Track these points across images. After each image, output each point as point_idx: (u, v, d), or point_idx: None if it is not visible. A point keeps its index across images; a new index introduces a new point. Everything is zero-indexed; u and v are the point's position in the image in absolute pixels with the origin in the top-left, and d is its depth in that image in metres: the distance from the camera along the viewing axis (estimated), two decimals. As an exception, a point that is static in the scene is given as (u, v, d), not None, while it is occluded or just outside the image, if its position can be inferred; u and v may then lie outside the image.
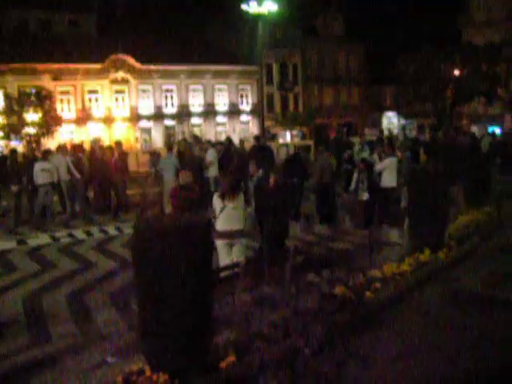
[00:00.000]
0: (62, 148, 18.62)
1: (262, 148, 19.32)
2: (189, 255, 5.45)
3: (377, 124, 67.96)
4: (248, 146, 23.22)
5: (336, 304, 6.87)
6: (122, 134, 51.87)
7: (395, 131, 54.14)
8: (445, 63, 50.41)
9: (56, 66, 49.19)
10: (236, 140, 26.42)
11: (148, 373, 5.74)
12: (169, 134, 55.11)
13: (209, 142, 21.79)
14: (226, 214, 9.44)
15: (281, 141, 52.25)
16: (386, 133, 41.13)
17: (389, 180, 15.15)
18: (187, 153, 18.44)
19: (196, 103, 57.86)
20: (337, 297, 7.08)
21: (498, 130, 42.28)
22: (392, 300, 8.13)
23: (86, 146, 22.84)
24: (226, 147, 20.40)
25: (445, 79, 49.99)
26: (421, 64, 49.15)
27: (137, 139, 54.35)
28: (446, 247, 10.75)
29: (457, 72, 49.95)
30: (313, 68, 65.60)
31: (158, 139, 54.56)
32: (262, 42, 36.39)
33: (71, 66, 49.85)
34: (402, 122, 68.03)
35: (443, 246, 10.68)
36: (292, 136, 59.24)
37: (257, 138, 21.36)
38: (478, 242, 11.61)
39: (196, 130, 55.20)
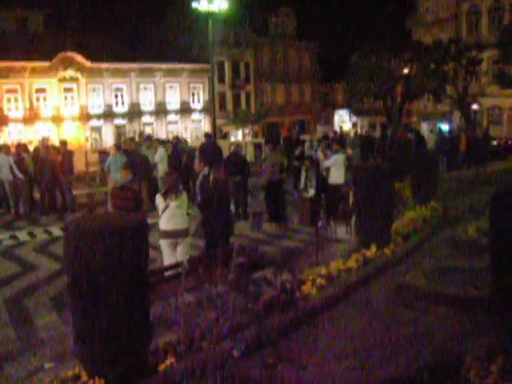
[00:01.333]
0: (4, 148, 18.09)
1: (210, 145, 19.17)
2: (122, 256, 5.28)
3: (329, 121, 68.59)
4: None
5: (267, 305, 6.81)
6: (71, 133, 50.98)
7: (347, 128, 54.70)
8: (395, 61, 50.99)
9: (2, 63, 48.00)
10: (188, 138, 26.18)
11: (84, 378, 5.57)
12: (119, 133, 54.44)
13: (157, 140, 21.48)
14: (170, 213, 9.28)
15: (232, 139, 52.18)
16: (337, 130, 41.51)
17: (336, 176, 15.21)
18: (133, 151, 18.13)
19: (147, 101, 57.30)
20: (268, 297, 7.03)
21: (446, 127, 43.07)
22: (336, 297, 8.10)
23: (32, 146, 22.26)
24: (174, 145, 20.21)
25: (395, 77, 50.55)
26: (372, 62, 49.62)
27: (87, 138, 53.51)
28: (393, 243, 10.81)
29: (406, 70, 50.58)
30: (265, 66, 65.71)
31: (108, 138, 53.79)
32: (213, 40, 36.12)
33: (18, 63, 48.72)
34: (354, 119, 68.72)
35: (389, 243, 10.74)
36: (244, 134, 59.20)
37: (207, 135, 21.22)
38: (423, 237, 11.72)
39: (147, 129, 54.68)
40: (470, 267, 8.63)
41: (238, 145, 18.68)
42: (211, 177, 10.96)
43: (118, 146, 18.08)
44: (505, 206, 5.81)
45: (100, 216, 6.02)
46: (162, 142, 20.42)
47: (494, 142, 33.24)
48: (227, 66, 62.45)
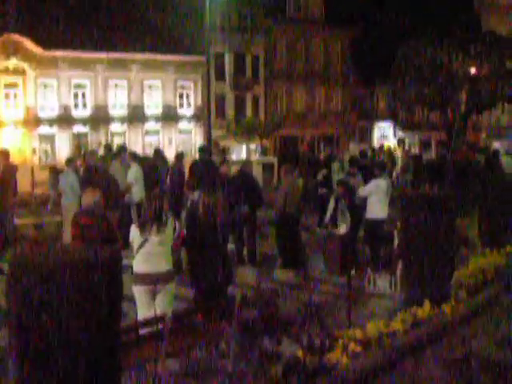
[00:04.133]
0: None
1: (204, 163, 19.29)
2: (81, 304, 5.29)
3: (366, 137, 68.79)
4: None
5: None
6: (13, 143, 51.12)
7: (391, 146, 54.76)
8: (458, 58, 51.33)
9: None
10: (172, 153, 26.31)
11: None
12: (78, 144, 54.59)
13: (132, 154, 21.62)
14: (148, 251, 9.31)
15: (234, 157, 52.34)
16: (376, 148, 41.57)
17: (376, 209, 15.25)
18: (98, 169, 18.24)
19: (117, 104, 57.64)
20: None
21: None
22: (377, 369, 8.08)
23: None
24: (152, 162, 20.40)
25: (458, 79, 50.84)
26: (427, 58, 49.93)
27: (34, 150, 53.74)
28: (454, 299, 10.79)
29: (474, 70, 50.85)
30: (280, 61, 66.18)
31: (63, 151, 53.90)
32: (211, 23, 36.47)
33: None
34: (400, 134, 68.95)
35: (449, 298, 10.73)
36: (249, 151, 59.38)
37: (203, 149, 21.34)
38: (497, 292, 11.70)
39: (117, 140, 54.80)
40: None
41: (246, 163, 18.78)
42: (202, 203, 10.99)
43: (68, 161, 18.34)
44: None
45: (56, 248, 6.02)
46: (136, 157, 20.51)
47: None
48: (228, 59, 62.90)
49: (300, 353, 7.45)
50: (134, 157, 20.78)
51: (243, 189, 16.12)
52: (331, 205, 15.30)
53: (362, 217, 14.92)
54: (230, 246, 14.50)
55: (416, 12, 62.47)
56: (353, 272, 13.06)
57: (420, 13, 61.65)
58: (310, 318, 8.49)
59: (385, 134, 71.64)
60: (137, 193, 18.30)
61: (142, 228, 9.39)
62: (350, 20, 64.96)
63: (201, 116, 57.82)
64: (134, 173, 18.75)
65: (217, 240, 10.72)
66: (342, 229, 14.19)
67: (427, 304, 10.34)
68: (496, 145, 52.74)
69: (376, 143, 63.79)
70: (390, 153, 33.02)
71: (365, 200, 15.58)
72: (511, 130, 56.63)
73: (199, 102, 60.00)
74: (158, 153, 22.04)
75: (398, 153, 38.20)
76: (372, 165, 19.14)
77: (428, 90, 49.72)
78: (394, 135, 70.43)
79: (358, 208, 14.85)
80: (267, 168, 32.90)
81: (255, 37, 63.31)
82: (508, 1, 60.53)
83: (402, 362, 8.54)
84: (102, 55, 55.40)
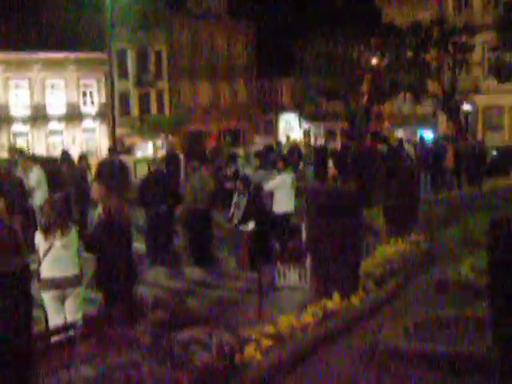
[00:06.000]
0: None
1: (111, 164, 19.10)
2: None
3: (271, 130, 69.12)
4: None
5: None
6: None
7: (296, 138, 55.32)
8: (360, 50, 52.01)
9: None
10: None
11: None
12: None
13: (32, 157, 21.23)
14: (53, 256, 9.19)
15: (139, 154, 51.93)
16: (283, 140, 41.85)
17: (283, 203, 15.36)
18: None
19: (19, 104, 56.57)
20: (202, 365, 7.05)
21: (430, 135, 44.00)
22: (289, 362, 8.14)
23: None
24: (58, 164, 20.07)
25: (360, 70, 51.52)
26: (329, 51, 50.42)
27: None
28: (362, 290, 10.94)
29: (375, 61, 51.57)
30: (183, 56, 65.92)
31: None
32: (112, 19, 36.06)
33: None
34: (306, 126, 69.47)
35: (357, 289, 10.87)
36: (155, 147, 59.02)
37: (112, 149, 21.16)
38: (403, 281, 11.91)
39: (20, 141, 53.84)
40: (463, 317, 8.82)
41: (162, 161, 18.61)
42: (101, 210, 10.86)
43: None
44: (507, 237, 5.98)
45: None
46: (37, 160, 20.16)
47: (493, 153, 34.14)
48: (131, 56, 62.34)
49: (211, 357, 7.44)
50: (35, 159, 20.42)
51: (160, 188, 15.93)
52: (235, 200, 15.35)
53: (270, 211, 15.01)
54: (138, 246, 14.41)
55: (318, 4, 63.02)
56: (262, 267, 13.09)
57: (321, 5, 62.21)
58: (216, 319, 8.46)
59: (290, 126, 72.08)
60: (39, 197, 17.90)
61: (46, 233, 9.27)
62: (253, 14, 65.16)
63: (105, 114, 57.17)
64: (35, 176, 18.34)
65: (120, 243, 10.58)
66: (250, 224, 14.23)
67: (336, 296, 10.45)
68: (399, 133, 53.74)
69: (282, 136, 64.20)
70: (295, 145, 33.28)
71: (272, 194, 15.71)
72: (412, 118, 57.61)
73: (103, 99, 59.35)
74: (65, 155, 21.65)
75: (304, 144, 38.57)
76: (277, 159, 19.22)
77: (331, 82, 50.19)
78: (300, 126, 70.91)
79: (265, 203, 14.92)
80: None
81: (157, 32, 62.94)
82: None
83: (314, 354, 8.62)
84: (1, 56, 54.31)
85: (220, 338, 7.64)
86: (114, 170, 18.58)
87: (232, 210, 15.23)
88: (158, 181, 16.09)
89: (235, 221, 14.91)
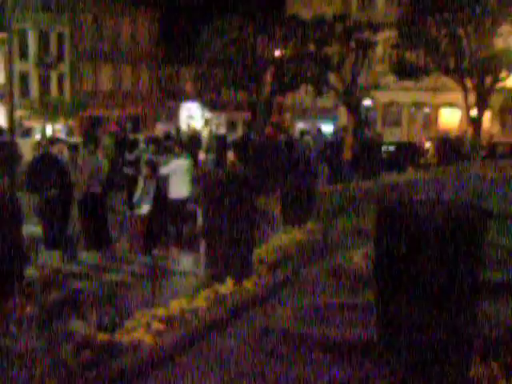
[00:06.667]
0: None
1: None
2: None
3: (173, 117, 68.82)
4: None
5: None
6: None
7: (198, 126, 55.11)
8: (263, 41, 52.19)
9: None
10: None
11: None
12: None
13: None
14: None
15: (37, 137, 50.99)
16: (184, 128, 41.77)
17: (178, 189, 15.39)
18: None
19: None
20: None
21: (330, 127, 44.60)
22: (178, 347, 8.11)
23: None
24: None
25: (262, 61, 51.70)
26: (231, 40, 50.44)
27: None
28: (256, 275, 11.01)
29: (278, 52, 51.85)
30: (86, 39, 65.05)
31: None
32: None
33: None
34: (207, 115, 69.46)
35: (251, 274, 10.93)
36: (54, 131, 58.13)
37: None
38: (296, 267, 12.03)
39: None
40: (354, 303, 8.97)
41: (51, 142, 18.31)
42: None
43: None
44: (390, 224, 6.07)
45: None
46: None
47: (391, 148, 34.88)
48: (32, 37, 61.22)
49: (90, 331, 7.38)
50: None
51: (50, 172, 15.66)
52: (140, 185, 15.31)
53: (165, 196, 14.98)
54: (33, 230, 14.22)
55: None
56: (156, 251, 13.08)
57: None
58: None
59: (192, 115, 71.95)
60: None
61: None
62: (157, 1, 64.80)
63: (3, 95, 55.91)
64: None
65: (6, 225, 10.35)
66: (144, 209, 14.20)
67: (230, 281, 10.48)
68: (300, 125, 54.29)
69: (183, 123, 64.03)
70: (195, 133, 33.29)
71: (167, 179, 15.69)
72: (314, 111, 58.30)
73: (1, 80, 58.01)
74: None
75: (204, 133, 38.59)
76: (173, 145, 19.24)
77: (233, 71, 50.27)
78: (201, 115, 70.89)
79: (161, 187, 14.91)
80: (73, 149, 32.14)
81: (61, 14, 61.92)
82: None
83: (205, 338, 8.61)
84: None
85: (102, 313, 7.60)
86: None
87: (137, 194, 15.13)
88: (46, 164, 15.84)
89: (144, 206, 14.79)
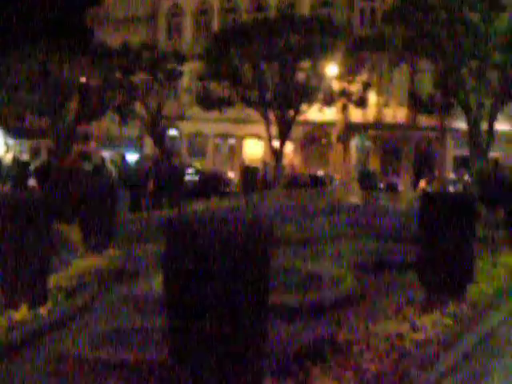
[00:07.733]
0: None
1: None
2: None
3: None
4: None
5: None
6: None
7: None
8: (69, 67, 51.55)
9: None
10: None
11: None
12: None
13: None
14: None
15: None
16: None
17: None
18: None
19: None
20: None
21: (135, 156, 44.55)
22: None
23: None
24: None
25: (67, 87, 51.01)
26: (34, 66, 49.60)
27: None
28: (52, 302, 10.85)
29: (84, 79, 51.39)
30: None
31: None
32: None
33: None
34: (10, 141, 67.46)
35: (46, 301, 10.77)
36: None
37: None
38: (95, 294, 11.96)
39: None
40: (152, 328, 9.04)
41: None
42: None
43: None
44: (176, 242, 6.10)
45: None
46: None
47: (196, 177, 35.45)
48: None
49: None
50: None
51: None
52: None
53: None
54: None
55: (21, 18, 62.04)
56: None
57: (35, 20, 61.33)
58: None
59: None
60: None
61: None
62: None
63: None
64: None
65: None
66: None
67: (24, 307, 10.27)
68: (105, 154, 53.86)
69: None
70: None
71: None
72: (120, 139, 57.92)
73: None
74: None
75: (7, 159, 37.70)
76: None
77: (38, 97, 49.41)
78: (4, 142, 68.75)
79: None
80: None
81: None
82: (122, 14, 62.11)
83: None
84: None
85: None
86: None
87: None
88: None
89: None
